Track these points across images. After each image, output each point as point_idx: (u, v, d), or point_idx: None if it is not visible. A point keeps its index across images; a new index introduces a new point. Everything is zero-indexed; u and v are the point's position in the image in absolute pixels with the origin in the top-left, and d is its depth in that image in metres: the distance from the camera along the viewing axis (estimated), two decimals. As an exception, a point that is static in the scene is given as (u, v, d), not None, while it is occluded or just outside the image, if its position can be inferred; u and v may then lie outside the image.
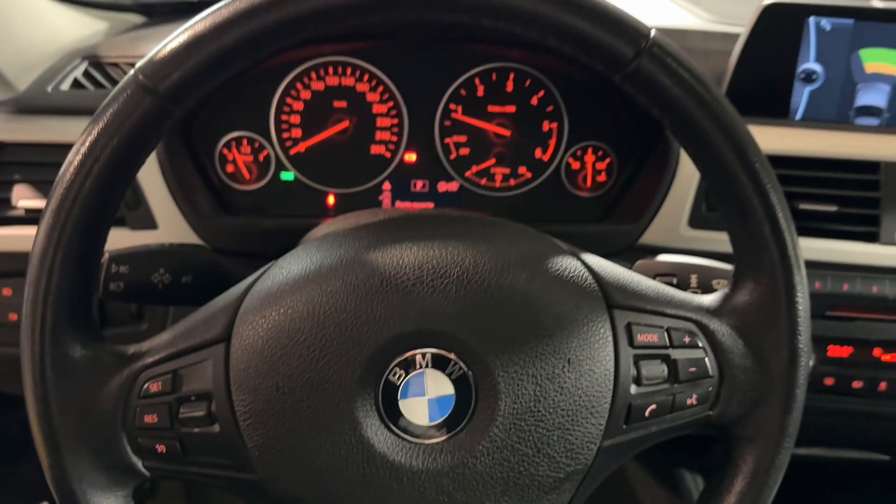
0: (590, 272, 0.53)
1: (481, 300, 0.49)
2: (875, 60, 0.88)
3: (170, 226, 0.80)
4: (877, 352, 0.84)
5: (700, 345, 0.53)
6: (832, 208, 0.80)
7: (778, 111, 0.89)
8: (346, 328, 0.47)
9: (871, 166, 0.82)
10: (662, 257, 0.69)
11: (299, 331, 0.47)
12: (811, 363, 0.81)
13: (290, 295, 0.49)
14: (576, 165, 0.88)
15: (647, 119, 0.83)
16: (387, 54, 0.84)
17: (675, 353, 0.52)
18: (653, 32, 0.48)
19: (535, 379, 0.48)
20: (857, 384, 0.84)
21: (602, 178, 0.89)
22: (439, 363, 0.48)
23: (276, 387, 0.47)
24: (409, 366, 0.47)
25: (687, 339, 0.53)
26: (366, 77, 0.84)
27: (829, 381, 0.84)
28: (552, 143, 0.88)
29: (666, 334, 0.53)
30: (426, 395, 0.48)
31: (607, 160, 0.88)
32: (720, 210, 0.54)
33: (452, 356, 0.48)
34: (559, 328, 0.49)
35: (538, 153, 0.88)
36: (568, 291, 0.51)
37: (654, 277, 0.72)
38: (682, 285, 0.67)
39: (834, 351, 0.84)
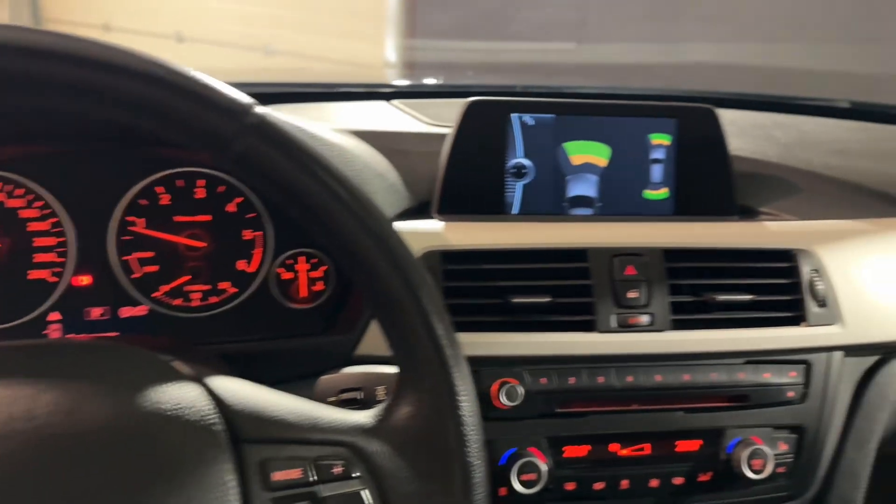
0: (214, 401, 0.43)
1: (53, 448, 0.37)
2: (579, 152, 0.90)
3: None
4: (614, 447, 0.80)
5: (356, 474, 0.44)
6: (545, 299, 0.77)
7: (494, 207, 0.88)
8: None
9: (579, 254, 0.81)
10: (349, 369, 0.61)
11: None
12: (546, 467, 0.75)
13: None
14: (287, 276, 0.80)
15: None
16: (43, 163, 0.72)
17: (325, 490, 0.43)
18: (257, 108, 0.42)
19: None
20: (598, 485, 0.79)
21: (319, 287, 0.81)
22: None
23: None
24: None
25: (338, 470, 0.44)
26: (18, 192, 0.72)
27: (569, 486, 0.79)
28: (257, 253, 0.79)
29: (312, 468, 0.43)
30: None
31: (322, 268, 0.81)
32: (370, 308, 0.48)
33: None
34: (163, 478, 0.39)
35: (241, 265, 0.79)
36: (178, 428, 0.41)
37: (338, 394, 0.64)
38: (369, 400, 0.58)
39: (570, 451, 0.79)
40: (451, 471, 0.45)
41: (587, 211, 0.90)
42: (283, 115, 0.75)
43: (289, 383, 0.70)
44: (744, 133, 1.05)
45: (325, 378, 0.61)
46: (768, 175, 0.99)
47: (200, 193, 0.77)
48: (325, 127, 0.83)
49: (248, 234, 0.79)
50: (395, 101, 1.07)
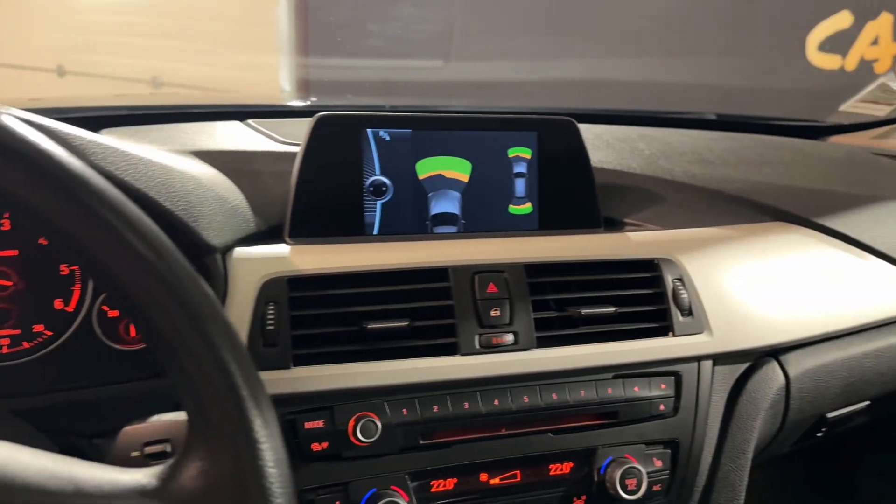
0: None
1: None
2: (439, 168, 0.86)
3: None
4: (483, 477, 0.75)
5: None
6: (403, 323, 0.72)
7: (352, 228, 0.82)
8: None
9: (439, 273, 0.76)
10: (157, 418, 0.53)
11: None
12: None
13: None
14: (113, 314, 0.71)
15: (191, 243, 0.70)
16: None
17: None
18: None
19: None
20: (467, 519, 0.74)
21: None
22: None
23: None
24: None
25: None
26: None
27: (424, 524, 0.73)
28: (76, 289, 0.70)
29: None
30: None
31: None
32: (152, 349, 0.41)
33: None
34: None
35: (59, 304, 0.70)
36: None
37: (142, 448, 0.57)
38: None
39: (437, 486, 0.74)
40: None
41: (451, 229, 0.86)
42: (112, 138, 0.68)
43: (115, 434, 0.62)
44: (608, 146, 1.05)
45: (128, 429, 0.54)
46: (632, 186, 0.98)
47: (6, 226, 0.68)
48: (158, 148, 0.76)
49: (64, 269, 0.70)
50: (251, 121, 1.01)
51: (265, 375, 0.68)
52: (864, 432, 1.40)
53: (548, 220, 0.88)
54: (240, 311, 0.69)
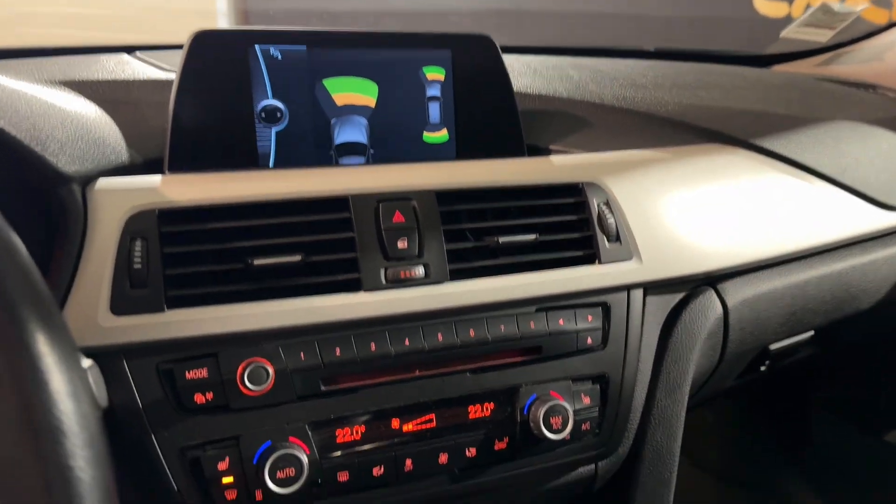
0: None
1: None
2: (341, 91, 0.78)
3: None
4: (394, 423, 0.69)
5: None
6: (295, 258, 0.65)
7: (243, 160, 0.74)
8: None
9: (339, 203, 0.68)
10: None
11: None
12: (308, 459, 0.63)
13: None
14: None
15: (38, 171, 0.61)
16: None
17: None
18: None
19: None
20: (377, 470, 0.68)
21: None
22: None
23: None
24: None
25: None
26: None
27: (343, 477, 0.66)
28: None
29: None
30: None
31: None
32: None
33: None
34: None
35: None
36: None
37: None
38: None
39: (343, 435, 0.67)
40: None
41: (359, 160, 0.78)
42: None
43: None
44: (536, 73, 0.97)
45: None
46: (558, 111, 0.91)
47: None
48: (15, 79, 0.67)
49: None
50: (139, 53, 0.91)
51: (135, 320, 0.60)
52: (808, 365, 1.37)
53: (466, 149, 0.81)
54: (102, 249, 0.61)
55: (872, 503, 1.42)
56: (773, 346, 0.96)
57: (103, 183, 0.64)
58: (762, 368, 1.01)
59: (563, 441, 0.72)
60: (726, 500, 1.64)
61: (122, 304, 0.60)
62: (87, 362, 0.45)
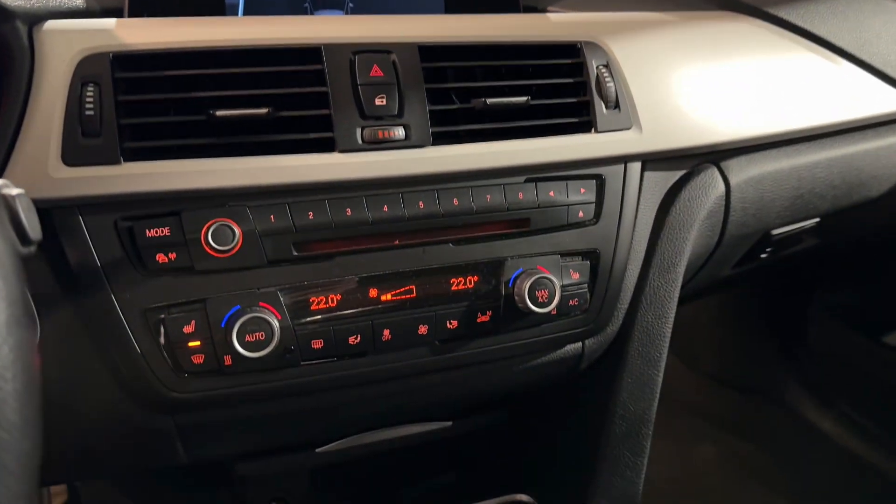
0: None
1: None
2: (317, -64, 0.70)
3: None
4: (373, 292, 0.65)
5: None
6: (261, 111, 0.59)
7: (208, 7, 0.68)
8: None
9: (311, 53, 0.62)
10: None
11: None
12: (280, 324, 0.60)
13: None
14: None
15: None
16: None
17: None
18: None
19: None
20: (353, 339, 0.65)
21: None
22: None
23: None
24: None
25: None
26: None
27: (317, 344, 0.63)
28: None
29: None
30: None
31: None
32: None
33: None
34: None
35: None
36: None
37: None
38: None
39: (318, 302, 0.63)
40: None
41: (337, 12, 0.72)
42: None
43: None
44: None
45: None
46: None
47: None
48: None
49: None
50: None
51: (89, 171, 0.56)
52: (810, 264, 1.34)
53: (455, 2, 0.74)
54: (51, 94, 0.55)
55: (873, 411, 1.41)
56: (776, 232, 0.92)
57: (53, 24, 0.58)
58: (763, 256, 0.97)
59: (548, 316, 0.69)
60: (720, 402, 1.65)
61: (74, 153, 0.55)
62: (12, 190, 0.41)
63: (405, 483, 1.00)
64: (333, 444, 0.86)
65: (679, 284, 0.80)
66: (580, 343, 0.78)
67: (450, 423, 0.92)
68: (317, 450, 0.86)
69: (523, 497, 0.97)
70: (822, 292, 1.47)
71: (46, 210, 0.56)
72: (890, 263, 1.36)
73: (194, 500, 0.87)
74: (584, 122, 0.70)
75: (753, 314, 1.61)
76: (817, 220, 0.96)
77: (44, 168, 0.55)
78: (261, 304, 0.61)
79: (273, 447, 0.86)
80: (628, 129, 0.71)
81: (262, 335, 0.59)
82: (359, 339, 0.65)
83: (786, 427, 1.54)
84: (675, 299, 0.81)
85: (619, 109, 0.71)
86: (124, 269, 0.58)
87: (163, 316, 0.59)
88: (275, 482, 0.95)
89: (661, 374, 0.83)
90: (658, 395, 0.83)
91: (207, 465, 0.88)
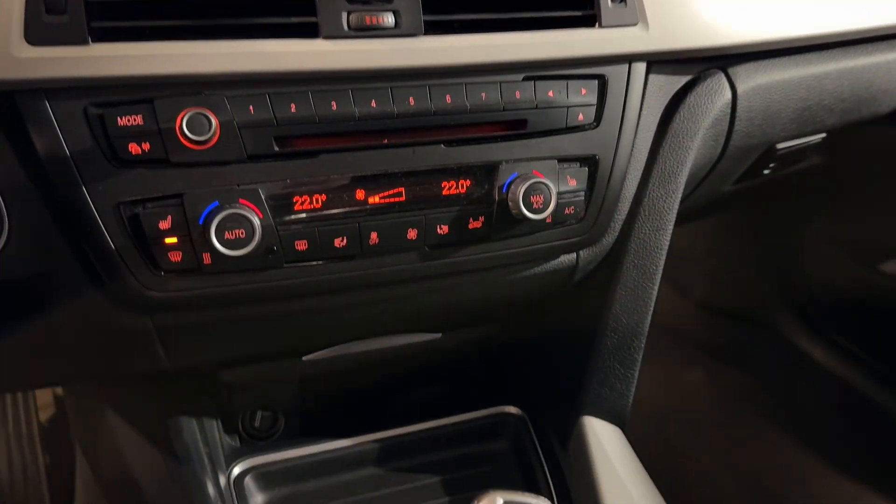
0: None
1: None
2: None
3: None
4: (360, 193, 0.62)
5: None
6: None
7: None
8: None
9: None
10: None
11: None
12: (261, 222, 0.57)
13: None
14: None
15: None
16: None
17: None
18: None
19: None
20: (339, 242, 0.62)
21: None
22: None
23: None
24: None
25: None
26: None
27: (301, 245, 0.61)
28: None
29: None
30: None
31: None
32: None
33: None
34: None
35: None
36: None
37: None
38: None
39: (301, 202, 0.60)
40: None
41: None
42: None
43: None
44: None
45: None
46: None
47: None
48: None
49: None
50: None
51: (55, 51, 0.51)
52: (805, 188, 1.31)
53: None
54: (8, -37, 0.51)
55: (864, 339, 1.41)
56: (781, 145, 0.89)
57: None
58: (765, 172, 0.94)
59: (543, 223, 0.66)
60: (710, 330, 1.64)
61: (37, 31, 0.51)
62: None
63: (393, 396, 1.00)
64: (320, 352, 0.84)
65: (679, 196, 0.78)
66: (574, 254, 0.75)
67: (439, 336, 0.90)
68: (303, 357, 0.85)
69: (511, 409, 0.96)
70: (817, 221, 1.45)
71: (10, 94, 0.52)
72: (888, 191, 1.33)
73: (180, 411, 0.86)
74: (588, 17, 0.65)
75: (747, 243, 1.59)
76: (823, 135, 0.93)
77: (6, 46, 0.50)
78: (241, 200, 0.58)
79: (258, 355, 0.85)
80: (634, 25, 0.67)
81: (242, 233, 0.56)
82: (345, 241, 0.62)
83: (776, 354, 1.54)
84: (675, 211, 0.78)
85: (626, 3, 0.66)
86: (96, 160, 0.54)
87: (137, 211, 0.56)
88: (261, 390, 0.94)
89: (656, 288, 0.81)
90: (652, 309, 0.82)
91: (192, 374, 0.87)
